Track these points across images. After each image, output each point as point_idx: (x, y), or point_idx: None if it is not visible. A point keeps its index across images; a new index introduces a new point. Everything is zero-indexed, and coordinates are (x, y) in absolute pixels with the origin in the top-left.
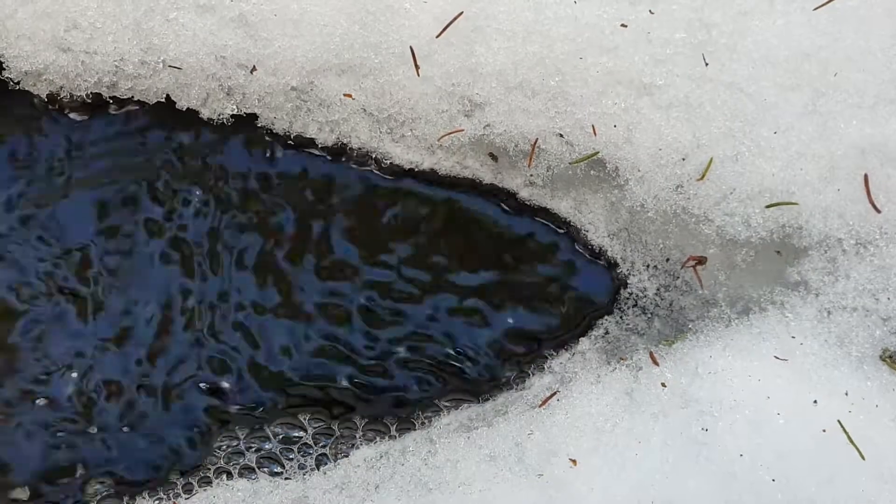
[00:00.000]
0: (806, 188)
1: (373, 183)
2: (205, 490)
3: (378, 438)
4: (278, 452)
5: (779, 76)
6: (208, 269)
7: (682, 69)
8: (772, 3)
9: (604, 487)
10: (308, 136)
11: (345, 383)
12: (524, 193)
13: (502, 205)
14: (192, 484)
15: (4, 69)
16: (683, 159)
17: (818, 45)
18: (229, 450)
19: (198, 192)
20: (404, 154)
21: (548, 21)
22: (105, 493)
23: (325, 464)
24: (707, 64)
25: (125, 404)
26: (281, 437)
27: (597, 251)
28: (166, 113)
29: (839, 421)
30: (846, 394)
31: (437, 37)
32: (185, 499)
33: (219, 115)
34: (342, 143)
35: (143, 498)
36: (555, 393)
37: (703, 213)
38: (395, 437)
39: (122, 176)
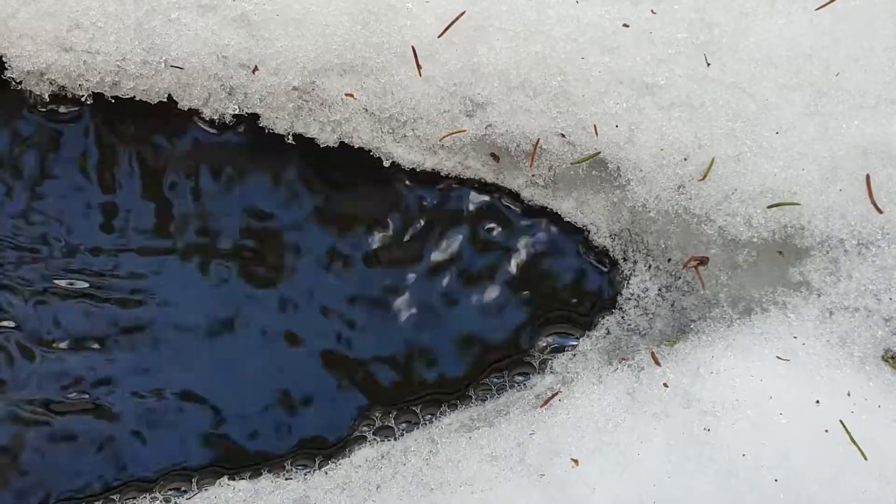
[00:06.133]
0: (808, 188)
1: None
2: (206, 490)
3: (381, 438)
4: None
5: (780, 76)
6: None
7: (684, 69)
8: (773, 4)
9: (606, 487)
10: (309, 135)
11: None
12: (526, 193)
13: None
14: (192, 484)
15: (6, 69)
16: (685, 159)
17: (820, 45)
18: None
19: None
20: (406, 154)
21: (550, 21)
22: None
23: (327, 464)
24: (709, 64)
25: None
26: None
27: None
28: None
29: (841, 421)
30: (848, 394)
31: (439, 36)
32: (186, 499)
33: (220, 115)
34: (344, 143)
35: (142, 498)
36: (556, 393)
37: (705, 213)
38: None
39: None
